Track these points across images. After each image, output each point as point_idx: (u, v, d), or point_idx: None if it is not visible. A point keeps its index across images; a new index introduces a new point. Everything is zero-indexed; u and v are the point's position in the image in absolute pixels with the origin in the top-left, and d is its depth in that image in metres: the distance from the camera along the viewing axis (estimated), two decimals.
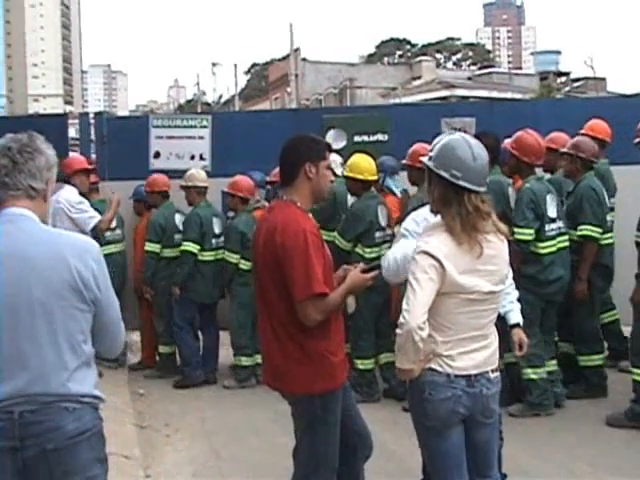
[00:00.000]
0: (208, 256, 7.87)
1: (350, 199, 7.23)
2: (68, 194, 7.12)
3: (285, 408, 3.96)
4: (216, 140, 8.82)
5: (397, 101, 33.21)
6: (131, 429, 6.47)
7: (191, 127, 8.84)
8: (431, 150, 3.44)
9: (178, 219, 8.06)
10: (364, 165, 6.98)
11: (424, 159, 3.46)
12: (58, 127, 8.66)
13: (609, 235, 6.92)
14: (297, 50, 47.78)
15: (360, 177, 6.90)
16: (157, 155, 8.83)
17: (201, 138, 8.82)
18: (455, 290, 3.28)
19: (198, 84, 68.44)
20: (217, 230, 7.93)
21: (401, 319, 3.19)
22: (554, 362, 6.58)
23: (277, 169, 7.36)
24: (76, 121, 9.11)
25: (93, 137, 8.99)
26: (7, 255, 2.67)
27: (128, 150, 8.72)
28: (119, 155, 8.69)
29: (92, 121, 8.99)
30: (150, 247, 8.04)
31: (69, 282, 2.69)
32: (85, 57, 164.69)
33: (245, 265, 7.52)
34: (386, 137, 8.78)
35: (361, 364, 6.98)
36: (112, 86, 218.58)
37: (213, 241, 7.90)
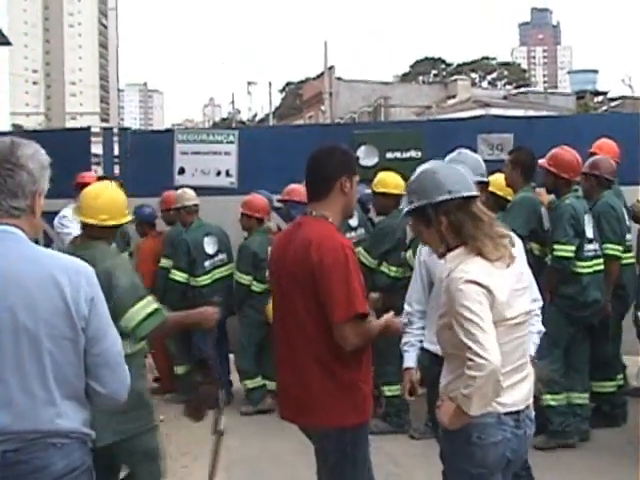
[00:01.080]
0: (203, 281, 7.51)
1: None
2: (67, 210, 6.93)
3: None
4: (243, 156, 8.53)
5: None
6: None
7: (217, 142, 8.56)
8: (410, 196, 3.16)
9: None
10: (394, 180, 6.76)
11: (408, 208, 3.17)
12: (81, 141, 8.46)
13: (629, 255, 6.58)
14: (331, 68, 47.83)
15: (395, 192, 6.64)
16: (182, 171, 8.56)
17: (227, 154, 8.53)
18: (502, 317, 2.94)
19: (233, 102, 68.64)
20: (210, 250, 7.56)
21: (478, 360, 2.77)
22: (586, 395, 6.17)
23: (290, 187, 7.31)
24: (99, 139, 8.84)
25: (117, 152, 8.77)
26: None
27: (152, 166, 8.47)
28: (143, 171, 8.43)
29: (116, 137, 8.75)
30: (164, 264, 7.73)
31: (59, 307, 2.41)
32: (122, 76, 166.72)
33: (257, 287, 7.24)
34: (419, 154, 8.40)
35: (388, 390, 6.61)
36: (148, 104, 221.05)
37: (207, 263, 7.53)
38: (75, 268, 2.51)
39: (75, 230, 7.19)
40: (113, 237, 4.23)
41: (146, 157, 8.52)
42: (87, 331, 2.46)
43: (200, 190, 7.95)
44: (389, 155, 8.45)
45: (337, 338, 3.34)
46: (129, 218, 4.20)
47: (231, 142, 8.55)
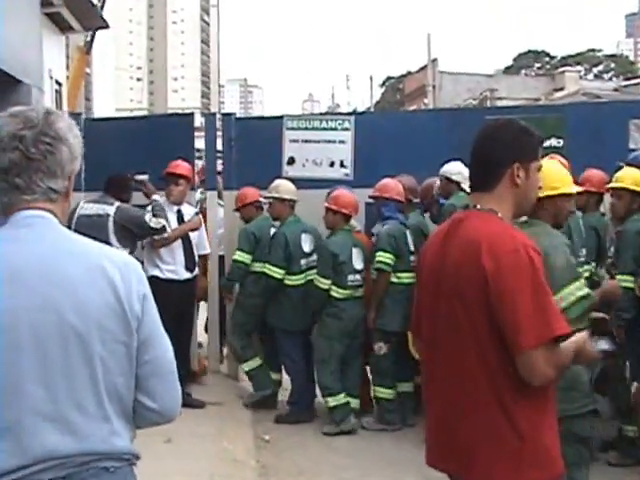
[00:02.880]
0: (296, 280, 6.82)
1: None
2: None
3: (440, 476, 2.76)
4: (359, 145, 7.62)
5: None
6: None
7: (331, 130, 7.68)
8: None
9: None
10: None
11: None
12: (183, 127, 7.74)
13: None
14: (435, 61, 46.80)
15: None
16: (291, 161, 7.72)
17: (342, 142, 7.64)
18: None
19: (333, 97, 68.04)
20: (307, 248, 6.88)
21: None
22: None
23: (382, 182, 6.38)
24: (202, 134, 8.08)
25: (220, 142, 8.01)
26: (27, 270, 1.99)
27: (259, 155, 7.68)
28: (249, 161, 7.65)
29: (219, 122, 7.98)
30: (240, 257, 7.06)
31: (110, 304, 2.03)
32: (222, 71, 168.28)
33: (337, 293, 6.48)
34: (561, 142, 7.33)
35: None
36: (248, 100, 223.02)
37: (302, 262, 6.85)
38: (123, 260, 2.14)
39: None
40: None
41: (252, 146, 7.73)
42: (139, 334, 2.09)
43: (307, 182, 7.13)
44: None
45: (522, 369, 2.45)
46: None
47: (346, 129, 7.65)
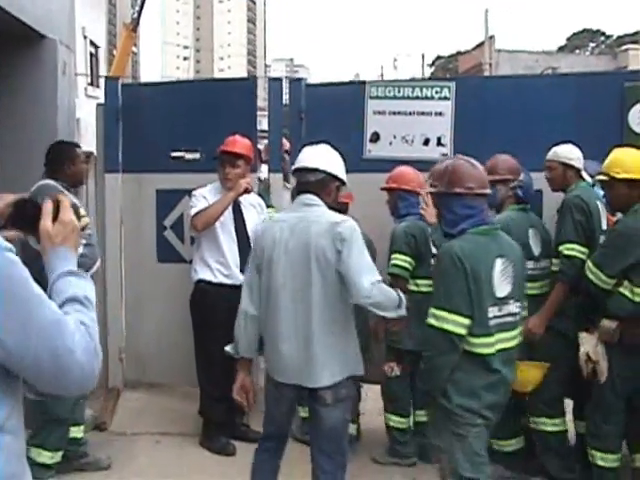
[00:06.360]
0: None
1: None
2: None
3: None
4: (461, 117, 6.09)
5: None
6: None
7: (426, 99, 6.14)
8: None
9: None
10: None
11: None
12: (243, 94, 6.33)
13: None
14: (492, 38, 45.18)
15: None
16: (375, 137, 6.21)
17: (440, 115, 6.11)
18: None
19: (382, 77, 66.21)
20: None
21: None
22: None
23: (397, 170, 5.40)
24: (264, 113, 6.60)
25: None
26: None
27: (334, 130, 6.18)
28: (322, 136, 6.16)
29: (286, 89, 6.46)
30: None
31: None
32: (269, 51, 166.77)
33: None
34: None
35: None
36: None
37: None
38: None
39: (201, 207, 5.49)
40: None
41: (326, 118, 6.24)
42: None
43: (395, 164, 5.63)
44: None
45: None
46: None
47: (445, 98, 6.12)
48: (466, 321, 3.54)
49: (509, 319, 3.71)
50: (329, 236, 3.77)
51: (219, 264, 5.60)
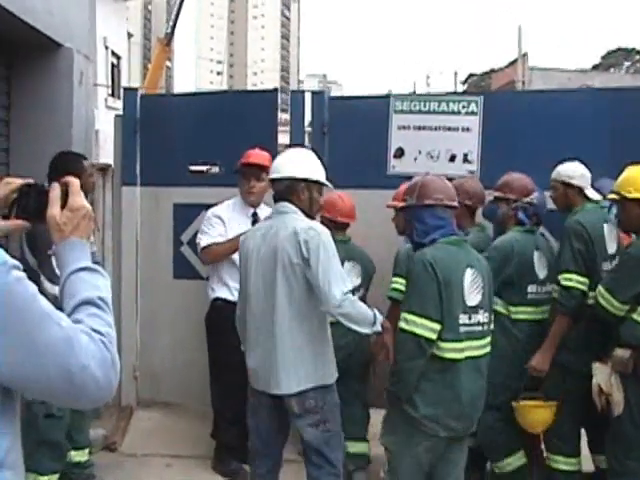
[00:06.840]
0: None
1: None
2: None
3: None
4: (489, 133, 5.87)
5: None
6: None
7: (452, 114, 5.93)
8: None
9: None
10: None
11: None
12: (264, 106, 6.16)
13: None
14: (525, 55, 45.01)
15: None
16: (400, 153, 6.01)
17: (467, 130, 5.89)
18: None
19: (414, 93, 66.24)
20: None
21: None
22: None
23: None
24: (286, 128, 6.38)
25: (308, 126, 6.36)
26: None
27: (358, 144, 6.01)
28: (345, 151, 5.99)
29: (308, 101, 6.27)
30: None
31: None
32: (302, 67, 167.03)
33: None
34: None
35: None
36: None
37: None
38: None
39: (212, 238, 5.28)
40: None
41: (349, 132, 6.06)
42: None
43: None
44: None
45: None
46: None
47: (472, 113, 5.90)
48: (436, 326, 3.64)
49: (478, 328, 3.80)
50: (294, 241, 3.79)
51: (237, 282, 5.41)
